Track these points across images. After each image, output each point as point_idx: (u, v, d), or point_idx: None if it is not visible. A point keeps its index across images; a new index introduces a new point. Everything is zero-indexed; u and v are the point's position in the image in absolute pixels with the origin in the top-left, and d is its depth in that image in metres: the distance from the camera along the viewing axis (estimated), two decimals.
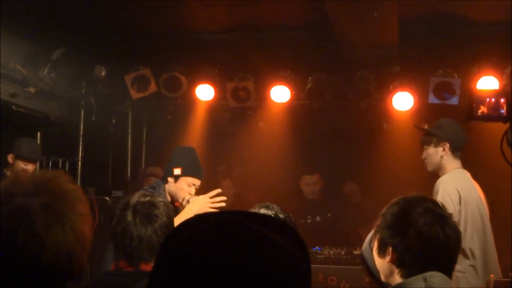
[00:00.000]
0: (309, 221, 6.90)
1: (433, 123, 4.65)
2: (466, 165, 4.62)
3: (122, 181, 8.02)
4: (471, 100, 1.82)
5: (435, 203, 2.14)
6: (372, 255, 2.55)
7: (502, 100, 1.77)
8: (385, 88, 6.82)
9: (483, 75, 6.13)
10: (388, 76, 6.89)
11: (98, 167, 7.99)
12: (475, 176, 4.62)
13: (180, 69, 7.10)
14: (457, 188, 4.19)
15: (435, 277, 1.97)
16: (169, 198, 4.57)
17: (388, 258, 2.12)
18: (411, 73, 6.74)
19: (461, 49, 6.49)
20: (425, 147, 4.50)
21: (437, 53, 6.59)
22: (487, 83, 6.04)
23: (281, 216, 2.62)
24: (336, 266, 5.63)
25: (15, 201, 1.44)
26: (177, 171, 4.57)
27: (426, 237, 2.04)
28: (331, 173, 7.76)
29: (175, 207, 4.53)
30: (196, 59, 7.11)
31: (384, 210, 2.22)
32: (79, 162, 7.43)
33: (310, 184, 7.09)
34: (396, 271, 2.10)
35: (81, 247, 1.48)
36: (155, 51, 7.03)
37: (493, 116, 1.79)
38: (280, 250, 0.95)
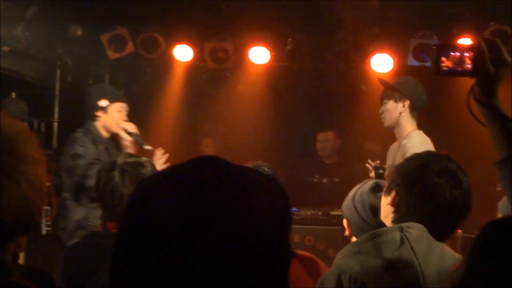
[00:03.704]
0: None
1: (397, 79, 4.60)
2: (439, 124, 4.65)
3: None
4: (437, 54, 1.80)
5: (458, 166, 2.13)
6: (353, 211, 2.58)
7: (467, 54, 1.76)
8: (364, 50, 6.79)
9: (462, 37, 6.13)
10: (367, 37, 6.85)
11: (74, 128, 7.89)
12: (447, 135, 4.65)
13: (158, 29, 6.99)
14: None
15: (413, 228, 1.98)
16: (104, 133, 4.72)
17: (389, 199, 2.15)
18: (390, 34, 6.70)
19: (441, 10, 6.46)
20: (384, 101, 4.43)
21: (417, 15, 6.56)
22: None
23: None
24: (312, 227, 5.69)
25: None
26: (104, 102, 4.69)
27: (432, 197, 2.06)
28: (309, 135, 7.77)
29: (114, 140, 4.73)
30: (174, 19, 7.00)
31: (408, 157, 2.25)
32: (55, 123, 7.35)
33: (322, 141, 7.07)
34: (391, 215, 2.13)
35: (39, 195, 1.42)
36: (132, 10, 6.90)
37: (458, 70, 1.78)
38: (259, 184, 0.94)
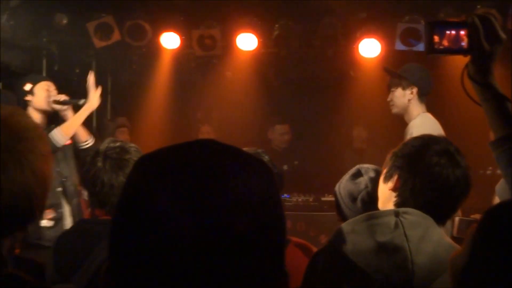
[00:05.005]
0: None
1: (403, 67, 4.65)
2: (436, 105, 4.72)
3: (88, 132, 7.91)
4: (431, 33, 1.77)
5: (456, 148, 2.11)
6: (338, 197, 2.60)
7: (462, 32, 1.74)
8: (352, 35, 6.79)
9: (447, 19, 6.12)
10: (355, 22, 6.84)
11: None
12: (447, 116, 4.70)
13: (144, 17, 6.93)
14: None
15: (411, 214, 1.95)
16: (37, 116, 4.74)
17: (390, 185, 2.11)
18: (378, 19, 6.70)
19: None
20: (392, 89, 4.52)
21: None
22: None
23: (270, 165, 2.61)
24: (304, 213, 5.70)
25: None
26: (28, 86, 4.80)
27: (436, 177, 2.03)
28: (298, 121, 7.78)
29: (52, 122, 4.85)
30: (160, 6, 6.95)
31: (406, 140, 2.22)
32: None
33: (283, 133, 7.10)
34: (393, 199, 2.10)
35: (42, 188, 1.43)
36: None
37: (453, 49, 1.75)
38: (253, 161, 0.95)
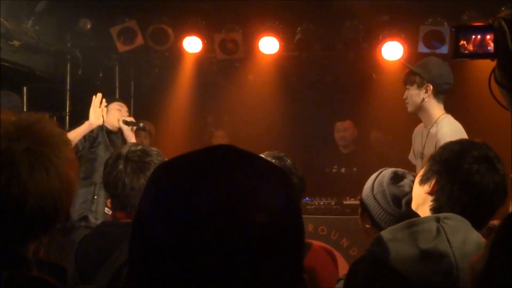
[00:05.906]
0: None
1: (420, 60, 4.37)
2: (462, 108, 4.58)
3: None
4: (457, 37, 1.75)
5: (496, 154, 2.10)
6: (373, 203, 2.55)
7: (488, 36, 1.72)
8: (374, 37, 6.75)
9: (474, 23, 6.06)
10: (377, 25, 6.81)
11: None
12: (473, 119, 4.59)
13: (167, 21, 6.98)
14: None
15: (451, 219, 1.94)
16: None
17: (427, 188, 2.11)
18: (400, 22, 6.66)
19: None
20: (407, 86, 4.23)
21: (427, 2, 6.51)
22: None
23: (294, 172, 2.61)
24: (326, 216, 5.68)
25: None
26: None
27: (475, 185, 2.03)
28: (320, 124, 7.76)
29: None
30: (183, 10, 6.99)
31: (445, 144, 2.21)
32: (67, 117, 7.37)
33: (338, 130, 7.05)
34: (429, 203, 2.10)
35: (67, 192, 1.46)
36: (141, 3, 6.90)
37: (480, 53, 1.73)
38: (272, 166, 0.96)
